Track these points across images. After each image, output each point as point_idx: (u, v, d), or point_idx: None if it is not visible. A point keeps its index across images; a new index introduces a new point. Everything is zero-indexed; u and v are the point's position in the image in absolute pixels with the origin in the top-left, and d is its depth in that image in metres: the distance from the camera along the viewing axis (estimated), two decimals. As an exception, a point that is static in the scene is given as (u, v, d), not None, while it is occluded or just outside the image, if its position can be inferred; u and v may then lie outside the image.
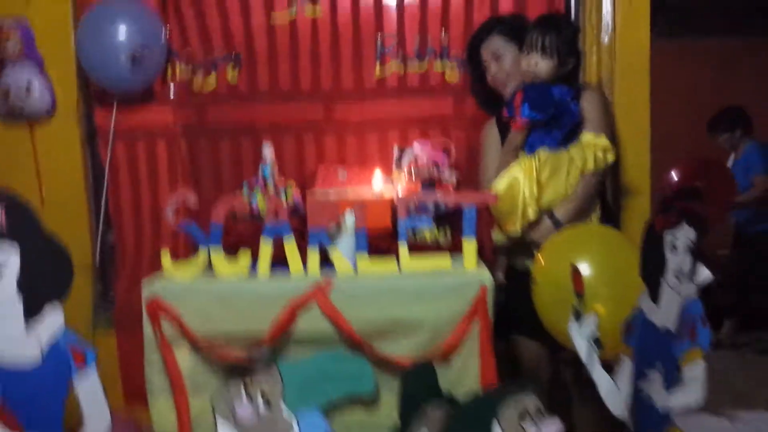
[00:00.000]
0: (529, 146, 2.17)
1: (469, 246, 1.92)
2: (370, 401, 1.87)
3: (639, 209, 2.25)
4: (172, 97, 2.71)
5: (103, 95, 2.69)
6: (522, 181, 2.08)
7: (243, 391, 1.80)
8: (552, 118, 2.13)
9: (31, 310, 1.71)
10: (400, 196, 2.07)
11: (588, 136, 2.14)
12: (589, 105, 2.16)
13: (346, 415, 1.87)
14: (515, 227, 2.11)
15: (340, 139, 2.70)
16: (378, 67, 2.66)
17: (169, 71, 2.71)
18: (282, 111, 2.70)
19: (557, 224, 2.12)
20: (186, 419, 1.85)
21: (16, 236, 1.71)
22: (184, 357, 1.87)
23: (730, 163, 4.57)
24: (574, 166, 2.12)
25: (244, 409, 1.79)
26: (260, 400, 1.80)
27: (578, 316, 1.72)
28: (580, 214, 2.14)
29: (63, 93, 2.69)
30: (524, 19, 2.30)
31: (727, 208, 3.90)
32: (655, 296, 1.69)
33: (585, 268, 1.78)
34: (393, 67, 2.64)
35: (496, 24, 2.33)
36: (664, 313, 1.70)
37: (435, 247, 2.17)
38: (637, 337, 1.71)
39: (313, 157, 2.71)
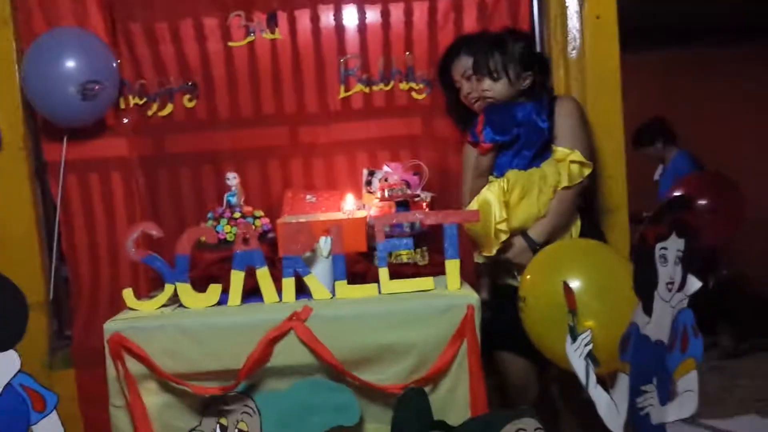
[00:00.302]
0: (498, 168, 2.16)
1: (452, 266, 1.86)
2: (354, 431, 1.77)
3: (618, 222, 2.22)
4: (125, 122, 2.59)
5: (51, 127, 2.56)
6: (492, 204, 2.04)
7: (218, 429, 1.70)
8: (518, 138, 2.11)
9: None
10: (374, 217, 2.00)
11: (560, 151, 2.10)
12: (562, 116, 2.13)
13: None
14: (490, 250, 2.07)
15: (307, 163, 2.62)
16: (342, 89, 2.59)
17: (122, 103, 2.59)
18: (244, 137, 2.62)
19: (531, 243, 2.08)
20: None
21: None
22: (151, 397, 1.74)
23: (658, 174, 4.66)
24: (546, 183, 2.08)
25: (219, 447, 1.68)
26: (237, 437, 1.70)
27: (573, 334, 1.66)
28: (557, 231, 2.10)
29: (8, 127, 2.55)
30: (521, 35, 2.26)
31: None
32: (648, 309, 1.65)
33: (576, 284, 1.72)
34: (358, 89, 2.58)
35: (464, 43, 2.30)
36: (657, 326, 1.67)
37: (413, 269, 2.11)
38: (632, 352, 1.66)
39: (279, 183, 2.62)
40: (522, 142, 2.12)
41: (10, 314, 1.64)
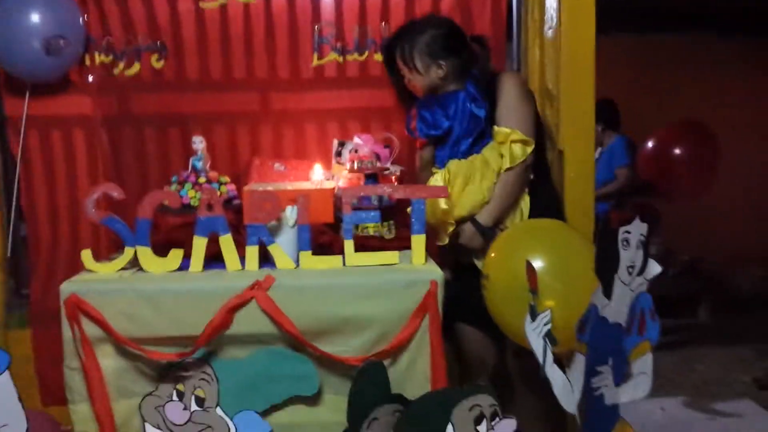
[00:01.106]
0: (440, 160, 2.17)
1: (418, 241, 1.86)
2: (313, 402, 1.78)
3: (582, 204, 2.23)
4: (90, 79, 2.52)
5: (14, 82, 2.47)
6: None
7: (175, 394, 1.68)
8: (452, 129, 2.13)
9: None
10: (342, 189, 1.98)
11: (501, 133, 2.08)
12: (502, 95, 2.12)
13: (287, 417, 1.77)
14: (442, 240, 2.10)
15: (277, 130, 2.57)
16: (315, 57, 2.55)
17: (87, 60, 2.51)
18: (213, 101, 2.55)
19: (480, 228, 2.08)
20: (109, 426, 1.69)
21: None
22: (107, 360, 1.72)
23: (596, 156, 4.68)
24: (489, 168, 2.08)
25: (175, 411, 1.67)
26: (194, 403, 1.68)
27: (533, 313, 1.68)
28: (504, 212, 2.11)
29: (-31, 79, 2.46)
30: (434, 23, 2.25)
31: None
32: (608, 292, 1.67)
33: (538, 264, 1.73)
34: (332, 57, 2.54)
35: (405, 33, 2.25)
36: (616, 309, 1.70)
37: (379, 242, 2.10)
38: (590, 333, 1.69)
39: (247, 150, 2.57)
40: (457, 133, 2.13)
41: None
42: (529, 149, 2.08)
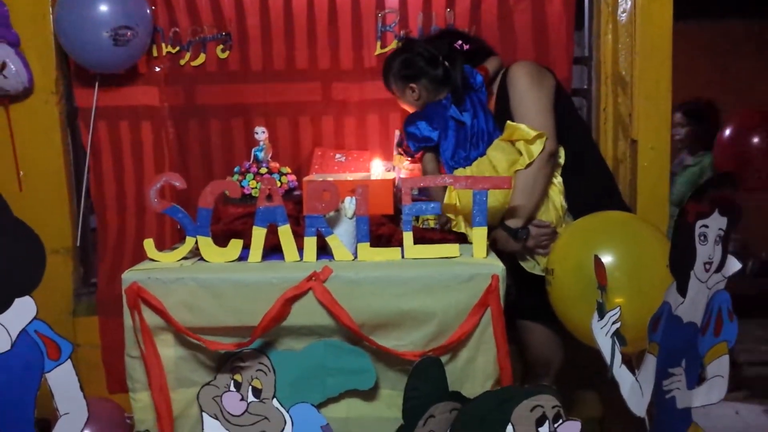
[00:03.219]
0: (449, 170, 2.11)
1: (480, 234, 1.79)
2: (369, 396, 1.75)
3: (656, 195, 2.11)
4: (157, 70, 2.56)
5: (83, 73, 2.54)
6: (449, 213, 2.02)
7: (232, 385, 1.68)
8: (443, 138, 2.08)
9: (0, 306, 1.59)
10: (402, 179, 1.94)
11: (509, 130, 1.99)
12: (510, 89, 2.05)
13: (343, 410, 1.74)
14: None
15: (338, 121, 2.56)
16: (378, 46, 2.51)
17: (155, 50, 2.55)
18: (276, 91, 2.57)
19: (511, 232, 2.00)
20: (167, 415, 1.70)
21: None
22: (167, 349, 1.73)
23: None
24: (498, 171, 2.00)
25: (232, 401, 1.67)
26: (250, 393, 1.68)
27: (601, 311, 1.59)
28: (532, 209, 2.01)
29: (41, 71, 2.55)
30: (404, 47, 2.23)
31: None
32: (683, 289, 1.57)
33: (607, 259, 1.64)
34: (395, 45, 2.49)
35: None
36: (691, 307, 1.60)
37: (439, 234, 2.05)
38: (662, 332, 1.59)
39: (309, 140, 2.57)
40: (450, 142, 2.08)
41: (27, 260, 1.62)
42: (539, 146, 1.95)
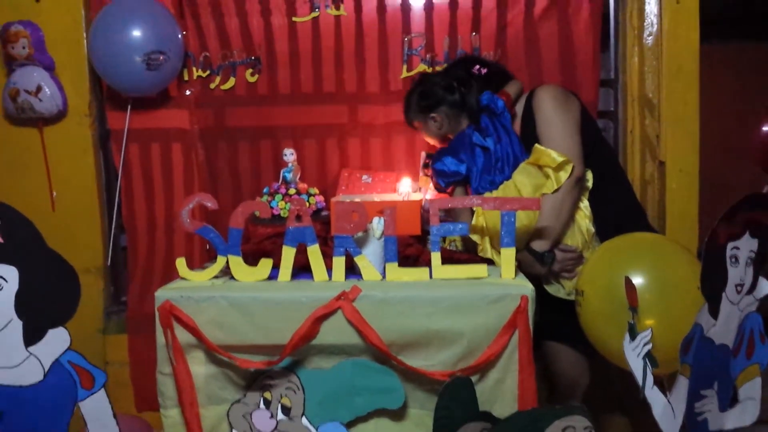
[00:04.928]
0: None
1: (508, 254, 1.80)
2: (398, 415, 1.74)
3: (685, 217, 2.11)
4: (188, 94, 2.61)
5: (116, 96, 2.61)
6: (476, 236, 2.02)
7: (262, 403, 1.68)
8: (470, 170, 2.10)
9: (33, 336, 1.62)
10: (430, 200, 1.95)
11: (536, 154, 1.99)
12: (537, 111, 2.05)
13: (371, 429, 1.74)
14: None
15: (365, 143, 2.59)
16: (405, 69, 2.54)
17: (186, 74, 2.61)
18: (304, 114, 2.61)
19: (536, 256, 2.00)
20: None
21: (14, 258, 1.60)
22: (198, 366, 1.75)
23: None
24: (523, 194, 1.99)
25: (262, 419, 1.68)
26: (280, 411, 1.68)
27: (632, 332, 1.58)
28: (559, 234, 2.01)
29: (75, 94, 2.62)
30: (420, 80, 2.28)
31: None
32: (714, 311, 1.56)
33: (638, 280, 1.63)
34: (421, 68, 2.53)
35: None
36: (723, 329, 1.58)
37: (467, 255, 2.06)
38: (694, 354, 1.57)
39: (335, 162, 2.61)
40: (476, 170, 2.09)
41: (62, 292, 1.65)
42: (566, 172, 1.95)
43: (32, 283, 1.62)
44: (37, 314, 1.63)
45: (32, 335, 1.63)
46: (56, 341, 1.64)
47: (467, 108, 2.14)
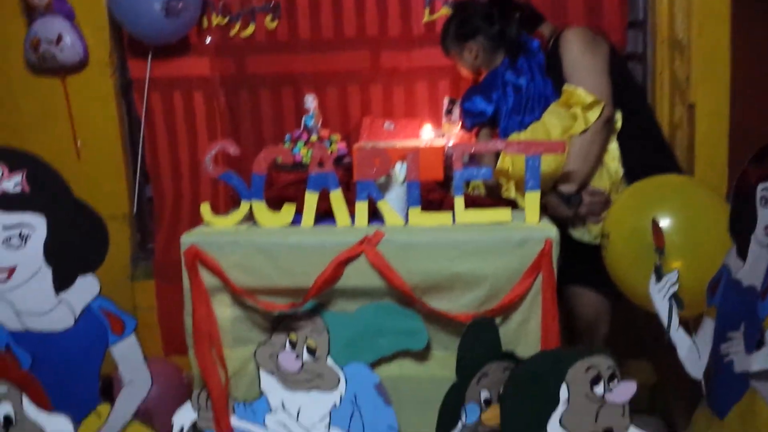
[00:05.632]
0: (504, 137, 2.09)
1: (532, 198, 1.78)
2: (421, 357, 1.76)
3: (714, 159, 2.06)
4: (208, 41, 2.59)
5: (137, 45, 2.60)
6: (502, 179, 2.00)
7: (287, 344, 1.71)
8: (500, 108, 2.07)
9: (62, 283, 1.65)
10: (453, 145, 1.93)
11: (566, 95, 1.96)
12: (565, 52, 2.00)
13: (395, 370, 1.77)
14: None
15: (387, 89, 2.56)
16: (427, 13, 2.49)
17: (205, 21, 2.58)
18: (325, 60, 2.58)
19: (563, 198, 1.98)
20: (213, 372, 1.74)
21: (42, 207, 1.62)
22: (224, 309, 1.77)
23: None
24: (552, 136, 1.95)
25: (288, 360, 1.70)
26: (305, 352, 1.71)
27: (658, 273, 1.57)
28: (587, 176, 1.99)
29: (95, 43, 2.62)
30: (458, 8, 2.23)
31: None
32: (743, 253, 1.54)
33: (665, 222, 1.61)
34: (444, 12, 2.47)
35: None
36: (751, 271, 1.56)
37: (491, 200, 2.04)
38: (721, 296, 1.56)
39: (357, 109, 2.59)
40: (506, 110, 2.06)
41: (90, 240, 1.68)
42: (594, 114, 1.92)
43: (60, 231, 1.66)
44: (65, 262, 1.66)
45: (62, 282, 1.67)
46: (86, 288, 1.68)
47: (505, 42, 2.10)
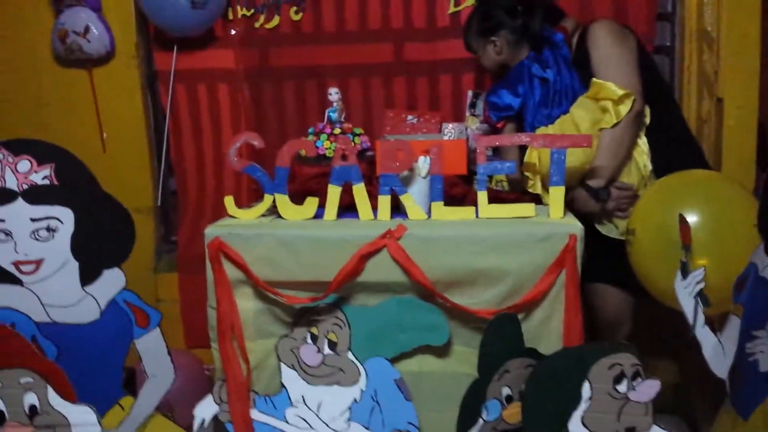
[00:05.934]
0: (531, 129, 2.07)
1: (557, 193, 1.76)
2: (442, 352, 1.76)
3: (742, 154, 2.03)
4: (233, 33, 2.60)
5: (162, 37, 2.61)
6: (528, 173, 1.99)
7: (309, 337, 1.72)
8: (525, 103, 2.06)
9: (88, 276, 1.67)
10: (477, 138, 1.92)
11: (595, 88, 1.94)
12: (593, 45, 1.98)
13: (416, 365, 1.76)
14: None
15: (410, 82, 2.54)
16: (452, 4, 2.47)
17: (230, 14, 2.59)
18: (349, 52, 2.57)
19: (592, 192, 1.96)
20: (235, 364, 1.76)
21: (69, 200, 1.64)
22: (246, 301, 1.78)
23: None
24: (580, 129, 1.93)
25: (309, 353, 1.71)
26: (326, 346, 1.71)
27: (684, 270, 1.55)
28: (615, 170, 1.97)
29: (122, 35, 2.63)
30: (481, 2, 2.19)
31: None
32: (771, 250, 1.51)
33: (692, 218, 1.59)
34: (469, 3, 2.45)
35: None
36: (779, 269, 1.53)
37: (515, 195, 2.03)
38: (747, 294, 1.54)
39: (380, 102, 2.58)
40: (533, 103, 2.04)
41: (116, 233, 1.69)
42: (625, 108, 1.90)
43: (87, 225, 1.67)
44: (92, 255, 1.68)
45: (88, 275, 1.69)
46: (112, 281, 1.69)
47: (529, 35, 2.08)
